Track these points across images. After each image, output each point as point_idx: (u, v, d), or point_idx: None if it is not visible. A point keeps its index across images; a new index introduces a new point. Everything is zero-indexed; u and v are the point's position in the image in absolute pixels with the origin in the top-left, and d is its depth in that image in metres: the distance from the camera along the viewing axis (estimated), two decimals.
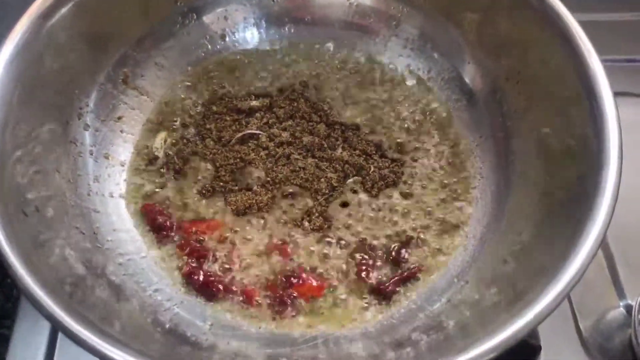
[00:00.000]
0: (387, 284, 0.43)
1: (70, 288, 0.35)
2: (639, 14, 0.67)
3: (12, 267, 0.32)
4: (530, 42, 0.44)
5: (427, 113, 0.51)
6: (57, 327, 0.32)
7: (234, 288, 0.43)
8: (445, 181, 0.48)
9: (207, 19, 0.53)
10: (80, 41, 0.45)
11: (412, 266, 0.44)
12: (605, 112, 0.38)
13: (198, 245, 0.44)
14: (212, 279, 0.43)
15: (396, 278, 0.43)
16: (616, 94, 0.40)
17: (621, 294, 0.50)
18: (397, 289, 0.43)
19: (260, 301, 0.43)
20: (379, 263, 0.44)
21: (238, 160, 0.49)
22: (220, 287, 0.43)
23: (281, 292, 0.43)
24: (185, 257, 0.44)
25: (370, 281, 0.43)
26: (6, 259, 0.32)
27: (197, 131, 0.51)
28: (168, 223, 0.45)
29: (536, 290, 0.33)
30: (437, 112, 0.51)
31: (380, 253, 0.45)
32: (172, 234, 0.45)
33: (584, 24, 0.42)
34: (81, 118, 0.47)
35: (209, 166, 0.49)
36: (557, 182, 0.40)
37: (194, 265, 0.44)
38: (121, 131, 0.49)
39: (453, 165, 0.49)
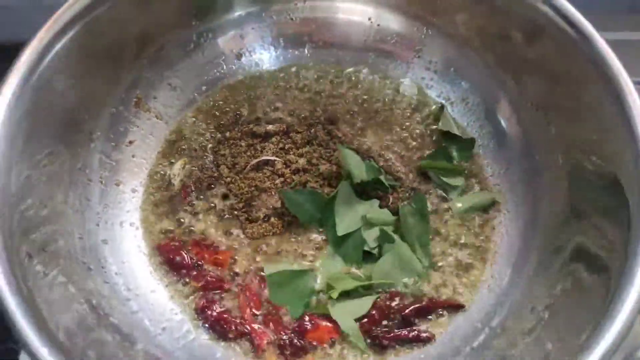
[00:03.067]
0: (384, 336, 0.41)
1: (73, 334, 0.34)
2: None
3: (14, 321, 0.30)
4: (562, 72, 0.41)
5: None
6: None
7: (246, 329, 0.41)
8: (468, 213, 0.46)
9: (223, 38, 0.51)
10: (89, 64, 0.43)
11: (422, 333, 0.41)
12: None
13: (214, 278, 0.43)
14: (225, 315, 0.41)
15: (397, 334, 0.41)
16: None
17: None
18: (394, 344, 0.41)
19: (270, 345, 0.41)
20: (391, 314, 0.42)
21: (253, 189, 0.47)
22: (233, 326, 0.41)
23: (293, 339, 0.41)
24: (199, 290, 0.42)
25: (375, 330, 0.41)
26: (8, 312, 0.31)
27: (212, 158, 0.49)
28: (185, 261, 0.43)
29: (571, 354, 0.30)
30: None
31: (395, 304, 0.42)
32: (189, 271, 0.43)
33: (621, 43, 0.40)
34: (91, 144, 0.45)
35: (226, 194, 0.47)
36: (592, 230, 0.38)
37: (208, 299, 0.42)
38: (133, 156, 0.48)
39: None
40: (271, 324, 0.41)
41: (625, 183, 0.36)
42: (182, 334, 0.41)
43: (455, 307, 0.43)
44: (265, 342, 0.41)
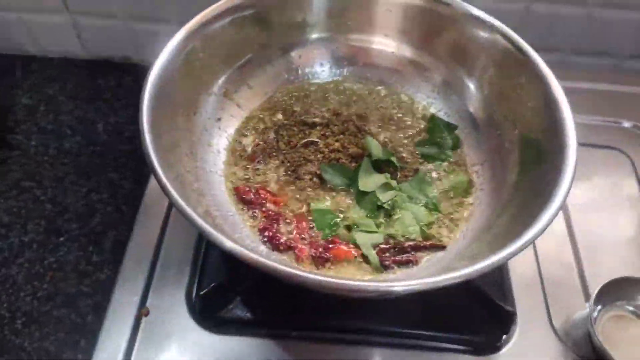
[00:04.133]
0: (387, 259, 0.59)
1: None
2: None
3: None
4: (520, 89, 0.62)
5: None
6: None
7: (291, 244, 0.60)
8: (454, 185, 0.65)
9: (292, 53, 0.72)
10: (210, 57, 0.64)
11: (411, 258, 0.59)
12: (569, 148, 0.54)
13: (273, 212, 0.62)
14: (278, 235, 0.60)
15: (395, 259, 0.59)
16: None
17: (588, 298, 0.64)
18: (393, 266, 0.59)
19: (307, 257, 0.59)
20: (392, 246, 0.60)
21: (302, 159, 0.67)
22: (284, 242, 0.59)
23: (322, 252, 0.59)
24: (263, 218, 0.61)
25: (382, 256, 0.59)
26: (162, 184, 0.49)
27: (274, 136, 0.69)
28: (253, 199, 0.62)
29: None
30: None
31: (395, 242, 0.60)
32: (255, 205, 0.62)
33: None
34: (195, 114, 0.65)
35: (282, 161, 0.67)
36: (531, 190, 0.56)
37: (267, 223, 0.60)
38: (219, 128, 0.68)
39: (461, 175, 0.66)
40: (310, 244, 0.60)
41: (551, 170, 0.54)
42: (249, 243, 0.59)
43: (439, 247, 0.61)
44: (304, 254, 0.59)
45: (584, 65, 0.92)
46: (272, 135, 0.69)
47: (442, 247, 0.61)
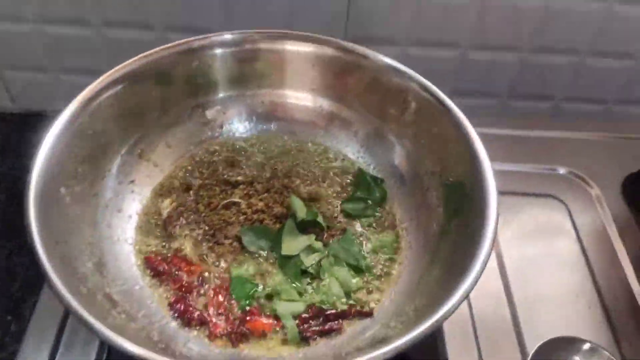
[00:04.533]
0: (307, 330, 0.54)
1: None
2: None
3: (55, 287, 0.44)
4: (439, 139, 0.60)
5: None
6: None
7: (205, 319, 0.55)
8: (382, 244, 0.62)
9: (209, 112, 0.69)
10: (111, 121, 0.60)
11: (334, 326, 0.55)
12: (490, 204, 0.51)
13: (187, 283, 0.57)
14: (190, 309, 0.55)
15: (315, 330, 0.55)
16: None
17: (524, 352, 0.61)
18: (315, 336, 0.54)
19: (221, 332, 0.54)
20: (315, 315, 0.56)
21: (222, 222, 0.63)
22: (196, 316, 0.54)
23: (238, 327, 0.54)
24: (175, 290, 0.56)
25: (302, 327, 0.55)
26: (48, 279, 0.44)
27: (193, 197, 0.65)
28: (165, 269, 0.57)
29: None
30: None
31: (319, 312, 0.56)
32: (168, 277, 0.57)
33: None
34: (104, 179, 0.60)
35: (201, 225, 0.62)
36: (455, 248, 0.54)
37: (179, 296, 0.56)
38: (132, 191, 0.63)
39: (389, 233, 0.63)
40: (225, 319, 0.55)
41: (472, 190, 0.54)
42: (158, 319, 0.54)
43: (365, 314, 0.57)
44: (219, 329, 0.54)
45: (522, 110, 0.92)
46: (191, 196, 0.65)
47: (369, 314, 0.57)
